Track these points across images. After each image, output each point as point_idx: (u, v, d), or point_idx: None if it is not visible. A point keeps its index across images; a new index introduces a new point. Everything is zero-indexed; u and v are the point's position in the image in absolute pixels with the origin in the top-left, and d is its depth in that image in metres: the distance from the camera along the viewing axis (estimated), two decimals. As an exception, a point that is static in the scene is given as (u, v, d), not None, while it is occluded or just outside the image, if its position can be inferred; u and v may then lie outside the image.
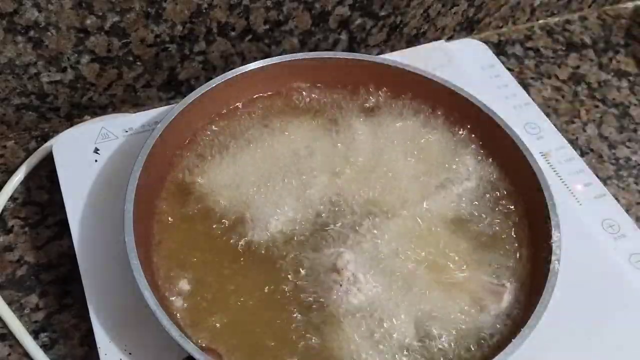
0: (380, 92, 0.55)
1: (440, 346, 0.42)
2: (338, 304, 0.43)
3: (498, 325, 0.43)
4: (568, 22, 0.76)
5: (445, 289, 0.44)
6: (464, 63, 0.63)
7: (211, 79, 0.52)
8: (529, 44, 0.73)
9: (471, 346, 0.42)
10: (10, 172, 0.56)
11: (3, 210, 0.53)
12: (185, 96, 0.51)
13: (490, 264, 0.46)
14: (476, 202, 0.49)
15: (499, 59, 0.66)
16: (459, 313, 0.43)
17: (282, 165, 0.50)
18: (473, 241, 0.47)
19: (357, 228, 0.47)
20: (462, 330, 0.43)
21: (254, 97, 0.55)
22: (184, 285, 0.44)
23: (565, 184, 0.55)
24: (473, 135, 0.53)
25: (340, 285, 0.43)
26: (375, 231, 0.46)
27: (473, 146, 0.52)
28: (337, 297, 0.43)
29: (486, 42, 0.70)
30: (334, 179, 0.50)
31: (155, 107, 0.58)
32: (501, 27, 0.74)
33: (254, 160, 0.50)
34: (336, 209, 0.48)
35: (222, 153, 0.51)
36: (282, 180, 0.49)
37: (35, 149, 0.57)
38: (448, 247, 0.46)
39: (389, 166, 0.50)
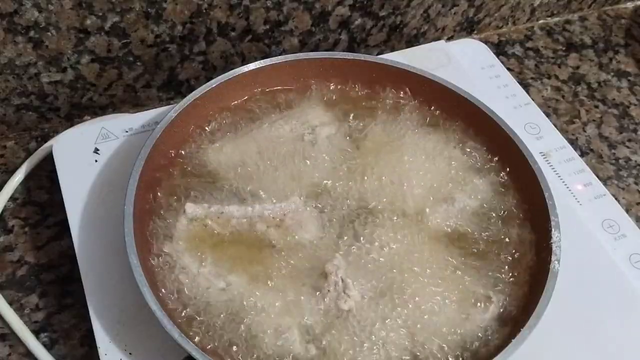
0: (382, 92, 0.55)
1: (433, 354, 0.41)
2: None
3: (489, 333, 0.42)
4: (568, 22, 0.76)
5: (436, 298, 0.43)
6: (464, 63, 0.63)
7: (211, 79, 0.52)
8: (529, 44, 0.73)
9: (467, 350, 0.42)
10: (10, 172, 0.56)
11: (3, 210, 0.53)
12: (185, 96, 0.51)
13: (482, 273, 0.45)
14: (476, 209, 0.48)
15: (499, 59, 0.66)
16: (450, 320, 0.43)
17: (284, 162, 0.50)
18: (467, 249, 0.46)
19: (349, 229, 0.46)
20: (455, 338, 0.42)
21: (254, 97, 0.55)
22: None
23: (565, 184, 0.55)
24: (472, 136, 0.53)
25: (328, 291, 0.43)
26: (368, 235, 0.46)
27: (477, 154, 0.52)
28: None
29: (486, 42, 0.70)
30: (334, 178, 0.49)
31: (155, 107, 0.58)
32: (501, 27, 0.74)
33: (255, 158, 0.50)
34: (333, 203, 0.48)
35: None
36: (281, 180, 0.49)
37: (35, 149, 0.57)
38: (443, 255, 0.46)
39: (391, 170, 0.50)
